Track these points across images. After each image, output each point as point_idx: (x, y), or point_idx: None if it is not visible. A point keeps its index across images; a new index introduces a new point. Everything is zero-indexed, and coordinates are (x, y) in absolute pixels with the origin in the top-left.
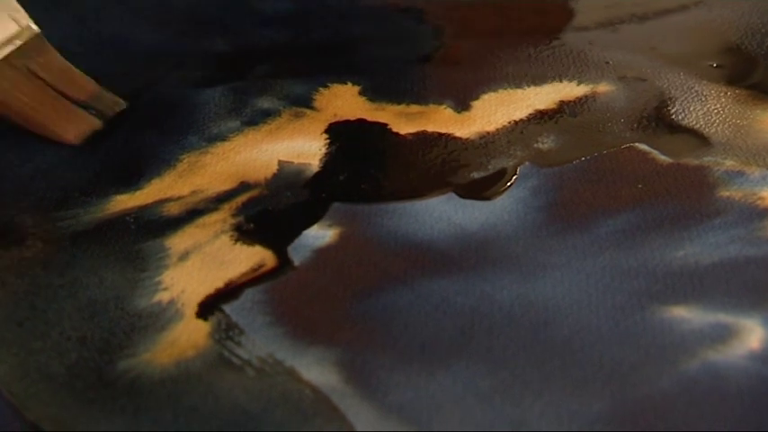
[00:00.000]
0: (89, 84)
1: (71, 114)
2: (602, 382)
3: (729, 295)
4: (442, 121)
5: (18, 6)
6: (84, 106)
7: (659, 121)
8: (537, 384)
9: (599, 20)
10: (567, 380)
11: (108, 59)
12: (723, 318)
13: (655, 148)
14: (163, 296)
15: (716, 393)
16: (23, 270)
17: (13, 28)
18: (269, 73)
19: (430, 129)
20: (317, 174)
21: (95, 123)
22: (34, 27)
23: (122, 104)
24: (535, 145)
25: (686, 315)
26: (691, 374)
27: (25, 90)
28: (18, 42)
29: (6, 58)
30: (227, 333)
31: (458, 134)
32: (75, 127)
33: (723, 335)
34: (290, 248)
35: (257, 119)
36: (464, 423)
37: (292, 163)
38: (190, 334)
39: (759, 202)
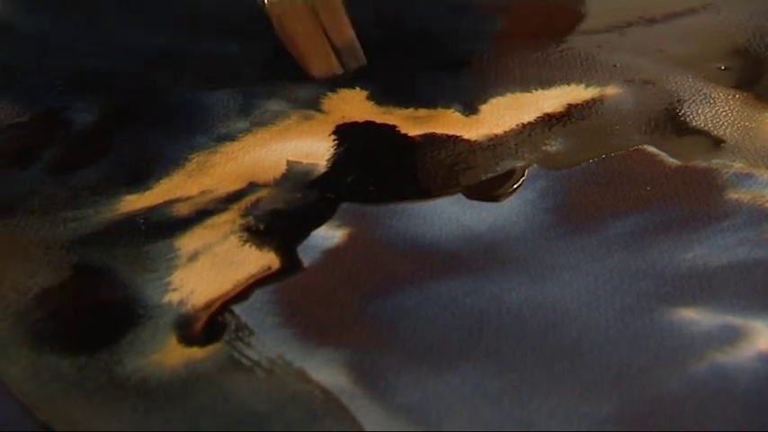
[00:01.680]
0: (348, 31)
1: (325, 53)
2: (611, 383)
3: (738, 297)
4: (450, 123)
5: None
6: (335, 49)
7: (667, 124)
8: (545, 386)
9: (606, 23)
10: (575, 381)
11: (118, 61)
12: (731, 320)
13: (663, 151)
14: (172, 297)
15: (724, 395)
16: (33, 271)
17: None
18: (277, 77)
19: (438, 131)
20: (326, 174)
21: (337, 68)
22: None
23: (363, 62)
24: (543, 147)
25: (695, 317)
26: (699, 376)
27: (303, 21)
28: None
29: None
30: (236, 334)
31: (466, 136)
32: (323, 66)
33: (731, 337)
34: (299, 249)
35: (266, 119)
36: (472, 424)
37: (301, 163)
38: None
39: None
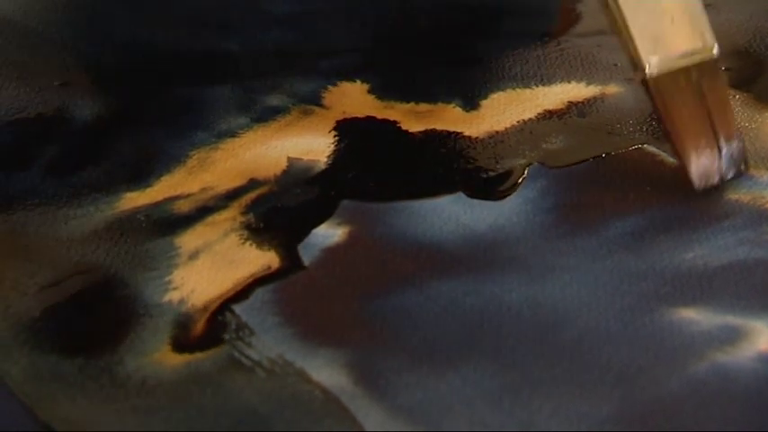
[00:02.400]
0: (733, 129)
1: (706, 148)
2: (611, 383)
3: (738, 297)
4: (450, 119)
5: (707, 25)
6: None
7: None
8: (546, 386)
9: (607, 23)
10: (575, 381)
11: (118, 58)
12: (732, 320)
13: (663, 151)
14: (173, 295)
15: (724, 395)
16: (33, 271)
17: (699, 43)
18: (277, 72)
19: (439, 127)
20: (326, 171)
21: (717, 173)
22: (715, 51)
23: (745, 171)
24: (544, 145)
25: (695, 317)
26: (699, 376)
27: (687, 104)
28: (699, 58)
29: (686, 68)
30: (237, 333)
31: (467, 133)
32: (702, 162)
33: (732, 337)
34: (299, 247)
35: (266, 116)
36: (473, 424)
37: (301, 160)
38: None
39: None
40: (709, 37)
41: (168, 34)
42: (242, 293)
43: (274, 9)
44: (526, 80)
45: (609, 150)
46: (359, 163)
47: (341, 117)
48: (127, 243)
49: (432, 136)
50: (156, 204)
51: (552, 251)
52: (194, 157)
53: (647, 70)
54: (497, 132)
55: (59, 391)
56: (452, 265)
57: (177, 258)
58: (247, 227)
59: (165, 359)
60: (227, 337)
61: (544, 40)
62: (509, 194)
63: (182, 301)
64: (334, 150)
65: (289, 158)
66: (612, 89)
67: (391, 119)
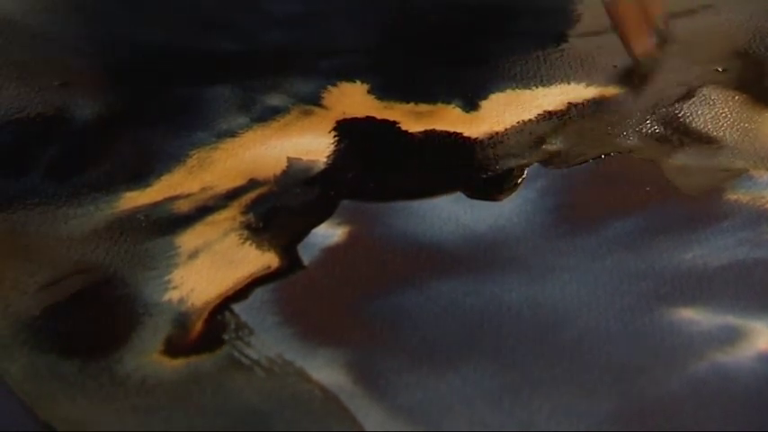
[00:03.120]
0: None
1: (647, 34)
2: (611, 383)
3: (737, 297)
4: (450, 120)
5: None
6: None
7: (667, 125)
8: (545, 386)
9: (606, 24)
10: (575, 381)
11: (119, 58)
12: (731, 320)
13: (662, 151)
14: (172, 295)
15: (724, 395)
16: (33, 271)
17: None
18: (277, 71)
19: (439, 128)
20: (326, 171)
21: (655, 52)
22: None
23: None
24: (543, 146)
25: (694, 317)
26: (699, 376)
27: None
28: None
29: None
30: (236, 333)
31: (466, 134)
32: (643, 45)
33: (731, 336)
34: (299, 247)
35: (266, 115)
36: (473, 424)
37: (301, 160)
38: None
39: (767, 205)
40: None
41: (168, 34)
42: (241, 293)
43: (274, 9)
44: (526, 81)
45: (608, 151)
46: (358, 163)
47: (341, 117)
48: (127, 242)
49: (431, 136)
50: (156, 204)
51: (552, 251)
52: (194, 157)
53: None
54: (497, 133)
55: (59, 391)
56: (452, 266)
57: (177, 258)
58: (247, 227)
59: (165, 358)
60: (226, 336)
61: (546, 41)
62: (509, 195)
63: (181, 301)
64: (334, 150)
65: (288, 158)
66: (612, 90)
67: (391, 119)
